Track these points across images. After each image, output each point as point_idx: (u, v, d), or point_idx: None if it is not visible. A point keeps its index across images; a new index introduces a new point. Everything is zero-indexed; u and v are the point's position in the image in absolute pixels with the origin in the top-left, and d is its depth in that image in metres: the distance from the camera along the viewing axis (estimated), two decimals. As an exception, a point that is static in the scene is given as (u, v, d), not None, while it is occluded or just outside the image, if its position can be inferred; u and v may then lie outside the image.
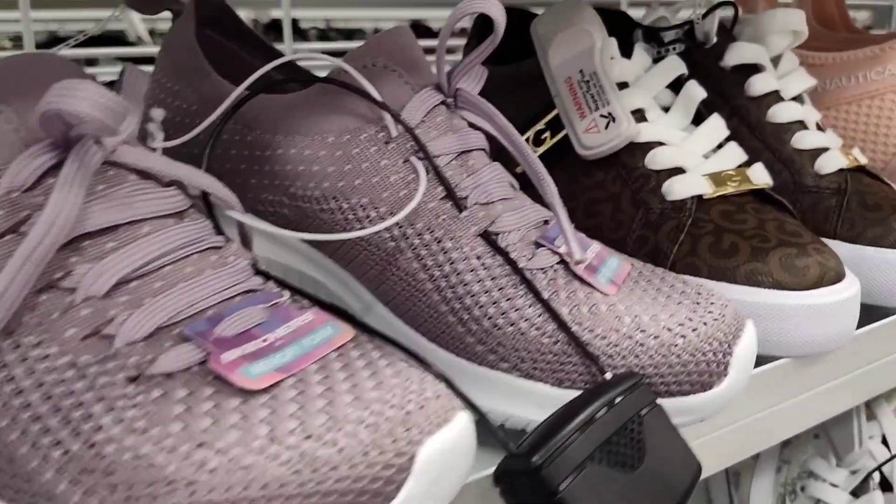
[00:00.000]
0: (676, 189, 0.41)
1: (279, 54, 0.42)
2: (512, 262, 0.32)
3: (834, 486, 0.59)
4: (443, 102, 0.35)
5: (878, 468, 0.59)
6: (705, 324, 0.31)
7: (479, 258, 0.32)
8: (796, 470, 0.60)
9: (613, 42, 0.46)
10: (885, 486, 0.60)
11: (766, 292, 0.37)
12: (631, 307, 0.31)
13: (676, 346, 0.30)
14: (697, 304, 0.32)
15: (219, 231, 0.30)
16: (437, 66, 0.34)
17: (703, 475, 0.30)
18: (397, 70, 0.35)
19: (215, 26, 0.41)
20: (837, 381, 0.42)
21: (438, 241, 0.33)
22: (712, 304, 0.32)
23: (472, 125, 0.36)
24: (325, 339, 0.27)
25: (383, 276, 0.35)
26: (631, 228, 0.42)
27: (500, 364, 0.31)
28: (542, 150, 0.46)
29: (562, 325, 0.30)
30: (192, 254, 0.28)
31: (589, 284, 0.32)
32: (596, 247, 0.34)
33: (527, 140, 0.47)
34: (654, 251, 0.40)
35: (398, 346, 0.28)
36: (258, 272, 0.29)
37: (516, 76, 0.49)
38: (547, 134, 0.46)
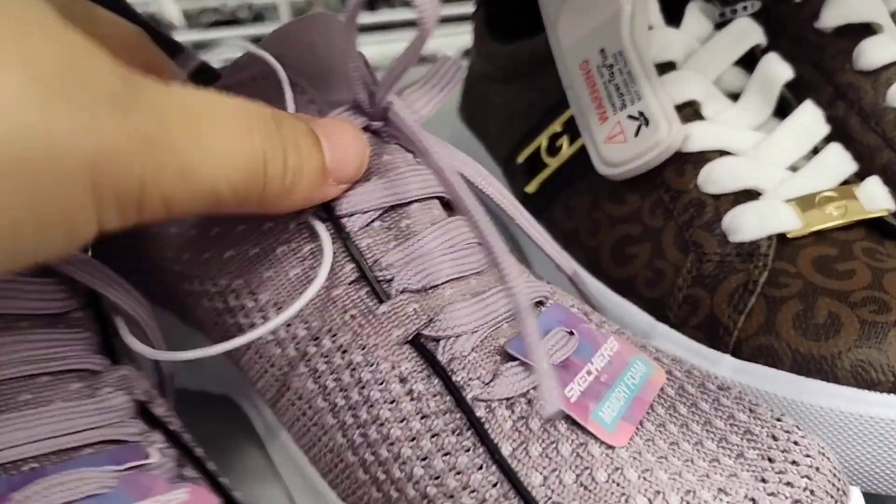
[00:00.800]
0: (745, 224, 0.27)
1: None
2: (455, 391, 0.20)
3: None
4: (367, 128, 0.23)
5: None
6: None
7: (403, 382, 0.20)
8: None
9: (653, 3, 0.32)
10: None
11: (886, 399, 0.24)
12: (650, 475, 0.18)
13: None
14: (769, 462, 0.18)
15: (108, 348, 0.21)
16: (351, 72, 0.22)
17: None
18: (299, 83, 0.23)
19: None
20: None
21: (343, 352, 0.21)
22: (794, 462, 0.18)
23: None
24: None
25: (279, 395, 0.23)
26: (676, 284, 0.28)
27: (435, 559, 0.19)
28: (556, 162, 0.33)
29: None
30: (41, 374, 0.19)
31: (582, 429, 0.19)
32: (612, 345, 0.21)
33: (538, 149, 0.34)
34: (709, 323, 0.27)
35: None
36: (146, 415, 0.20)
37: (528, 57, 0.36)
38: (564, 139, 0.33)
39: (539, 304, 0.22)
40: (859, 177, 0.30)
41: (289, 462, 0.24)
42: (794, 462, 0.19)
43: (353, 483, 0.21)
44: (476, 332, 0.21)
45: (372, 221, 0.22)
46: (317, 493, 0.23)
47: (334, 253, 0.21)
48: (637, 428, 0.19)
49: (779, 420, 0.20)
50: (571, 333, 0.21)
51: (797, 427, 0.20)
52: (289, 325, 0.22)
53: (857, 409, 0.24)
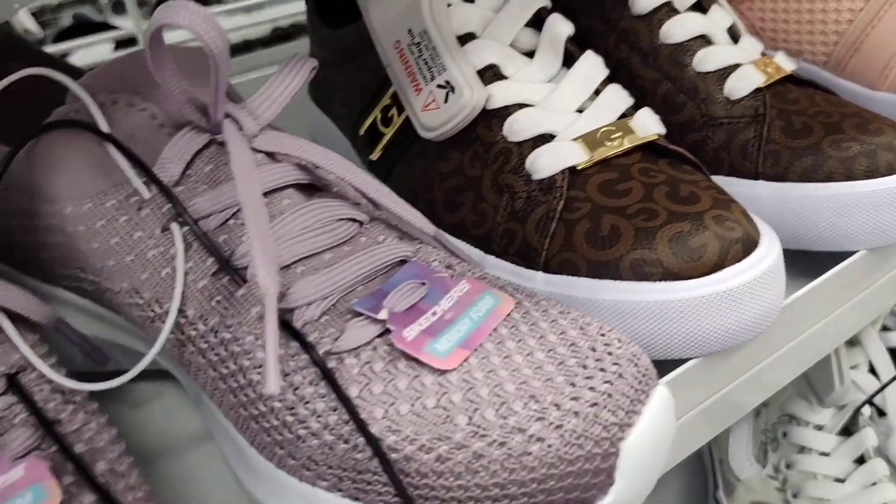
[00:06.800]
0: (542, 163, 0.32)
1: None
2: (309, 349, 0.23)
3: (819, 427, 0.52)
4: (212, 142, 0.26)
5: (868, 401, 0.52)
6: (577, 413, 0.21)
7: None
8: (776, 413, 0.53)
9: (451, -18, 0.36)
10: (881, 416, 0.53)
11: (658, 287, 0.30)
12: (474, 393, 0.22)
13: (530, 454, 0.21)
14: (583, 369, 0.22)
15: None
16: (178, 96, 0.25)
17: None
18: (147, 107, 0.26)
19: None
20: (762, 365, 0.35)
21: (215, 333, 0.25)
22: (602, 369, 0.22)
23: (273, 155, 0.27)
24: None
25: (189, 368, 0.27)
26: (496, 221, 0.33)
27: (318, 482, 0.23)
28: (391, 131, 0.38)
29: (368, 438, 0.22)
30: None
31: (419, 363, 0.23)
32: (462, 287, 0.25)
33: (374, 121, 0.39)
34: (524, 249, 0.32)
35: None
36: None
37: (354, 41, 0.39)
38: (394, 110, 0.37)
39: (402, 262, 0.26)
40: (636, 108, 0.35)
41: (212, 422, 0.28)
42: (602, 369, 0.22)
43: (251, 431, 0.25)
44: (325, 299, 0.24)
45: (229, 219, 0.25)
46: (234, 444, 0.27)
47: (195, 251, 0.25)
48: (475, 350, 0.23)
49: (603, 335, 0.23)
50: (423, 284, 0.24)
51: (619, 339, 0.23)
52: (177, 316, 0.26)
53: (639, 298, 0.29)
